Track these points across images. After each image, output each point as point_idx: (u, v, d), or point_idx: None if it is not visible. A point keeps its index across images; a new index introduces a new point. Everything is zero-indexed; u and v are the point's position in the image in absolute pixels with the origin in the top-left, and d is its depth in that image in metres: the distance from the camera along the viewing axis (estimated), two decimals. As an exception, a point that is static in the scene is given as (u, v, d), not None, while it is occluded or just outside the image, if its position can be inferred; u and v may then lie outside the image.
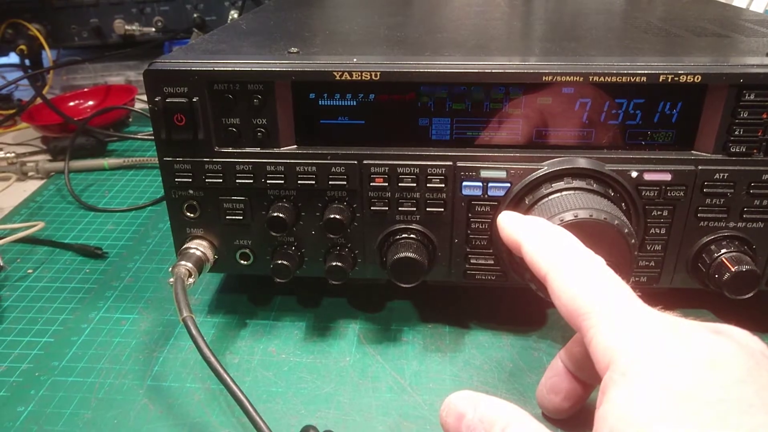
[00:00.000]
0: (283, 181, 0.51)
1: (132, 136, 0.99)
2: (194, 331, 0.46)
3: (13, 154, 0.92)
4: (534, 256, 0.40)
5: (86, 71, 1.24)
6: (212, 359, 0.45)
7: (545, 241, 0.40)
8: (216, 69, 0.48)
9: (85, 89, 1.13)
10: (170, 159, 0.51)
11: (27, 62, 1.16)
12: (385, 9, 0.77)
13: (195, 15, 1.24)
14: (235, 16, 1.24)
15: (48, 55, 1.21)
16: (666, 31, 0.60)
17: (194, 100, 0.48)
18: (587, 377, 0.43)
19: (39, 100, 1.02)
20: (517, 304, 0.59)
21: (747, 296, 0.49)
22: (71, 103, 1.09)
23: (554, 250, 0.39)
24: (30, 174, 0.92)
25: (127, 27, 1.21)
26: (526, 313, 0.59)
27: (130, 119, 1.07)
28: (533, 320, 0.58)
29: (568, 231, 0.41)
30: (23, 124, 1.07)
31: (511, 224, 0.44)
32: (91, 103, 1.10)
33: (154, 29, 1.23)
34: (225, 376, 0.45)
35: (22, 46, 1.14)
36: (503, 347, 0.55)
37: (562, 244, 0.39)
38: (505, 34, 0.61)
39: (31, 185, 0.90)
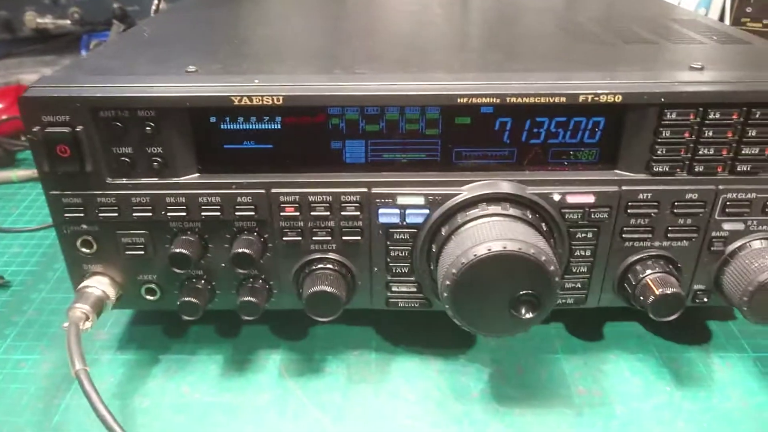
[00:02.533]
0: (185, 213, 0.47)
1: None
2: (88, 387, 0.42)
3: None
4: None
5: (-4, 69, 1.15)
6: (108, 418, 0.41)
7: None
8: (100, 95, 0.43)
9: (-7, 90, 1.04)
10: (57, 193, 0.46)
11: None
12: (307, 10, 0.72)
13: (115, 5, 1.16)
14: (161, 5, 1.17)
15: (-48, 52, 1.11)
16: (595, 37, 0.58)
17: (78, 129, 0.44)
18: None
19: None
20: (446, 324, 0.57)
21: (671, 318, 0.47)
22: (-23, 107, 1.01)
23: None
24: (-72, 188, 0.85)
25: (39, 20, 1.12)
26: (455, 333, 0.56)
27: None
28: (462, 342, 0.56)
29: (484, 265, 0.39)
30: None
31: None
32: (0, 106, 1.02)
33: (69, 22, 1.14)
34: (122, 436, 0.41)
35: None
36: (430, 374, 0.53)
37: None
38: (426, 44, 0.58)
39: (-71, 201, 0.83)
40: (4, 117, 0.94)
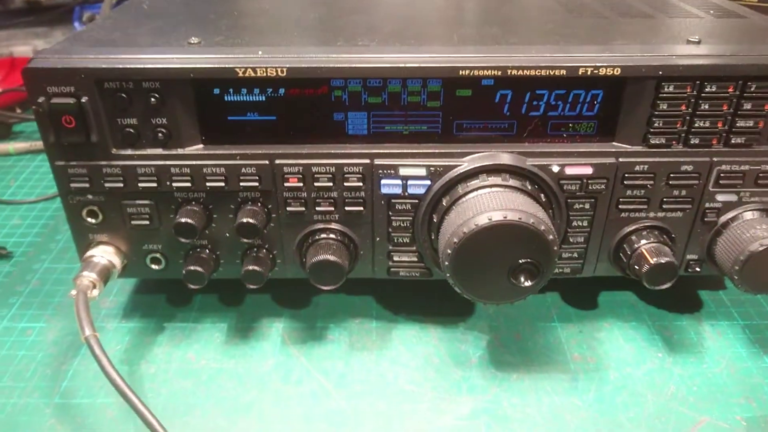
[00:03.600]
0: (190, 184, 0.48)
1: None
2: (98, 352, 0.44)
3: None
4: None
5: (-12, 41, 1.14)
6: (119, 382, 0.43)
7: None
8: (104, 66, 0.43)
9: (-14, 62, 1.03)
10: (63, 163, 0.47)
11: None
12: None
13: (107, -24, 1.15)
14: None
15: (-57, 23, 1.10)
16: (593, 11, 0.58)
17: (83, 100, 0.44)
18: None
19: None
20: (445, 292, 0.58)
21: (665, 287, 0.49)
22: (-29, 79, 1.00)
23: None
24: (-74, 161, 0.85)
25: (30, -9, 1.11)
26: (454, 302, 0.58)
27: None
28: (461, 310, 0.57)
29: (484, 235, 0.40)
30: None
31: None
32: (-7, 78, 1.01)
33: (62, -8, 1.13)
34: (134, 400, 0.42)
35: None
36: (430, 342, 0.54)
37: None
38: (424, 16, 0.58)
39: (-73, 174, 0.83)
40: (-2, 89, 0.94)
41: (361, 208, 0.49)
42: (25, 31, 1.15)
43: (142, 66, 0.44)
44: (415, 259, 0.52)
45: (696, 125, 0.46)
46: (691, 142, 0.47)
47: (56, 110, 0.44)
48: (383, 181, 0.48)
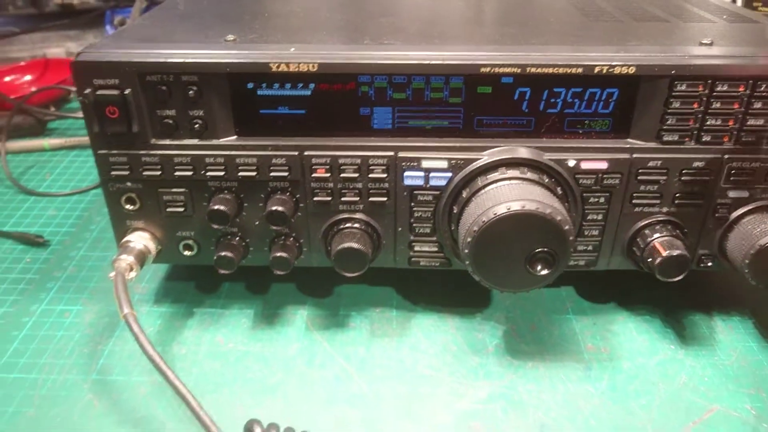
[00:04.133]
0: (223, 173, 0.50)
1: (74, 114, 0.95)
2: (136, 329, 0.46)
3: (-54, 135, 0.88)
4: None
5: (22, 43, 1.18)
6: (155, 357, 0.45)
7: None
8: (147, 60, 0.46)
9: (22, 63, 1.07)
10: (105, 152, 0.50)
11: (-43, 33, 1.10)
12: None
13: (138, -18, 1.19)
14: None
15: (-20, 26, 1.14)
16: (609, 15, 0.60)
17: (126, 92, 0.47)
18: None
19: (-28, 76, 0.97)
20: (462, 284, 0.60)
21: (677, 279, 0.50)
22: (6, 79, 1.04)
23: None
24: (-35, 155, 0.88)
25: (64, -5, 1.15)
26: (471, 293, 0.60)
27: (72, 96, 1.03)
28: (478, 301, 0.59)
29: (503, 223, 0.42)
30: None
31: None
32: (28, 77, 1.05)
33: (94, -3, 1.17)
34: (169, 373, 0.44)
35: (-48, 16, 1.08)
36: (448, 330, 0.56)
37: None
38: (447, 17, 0.61)
39: (-33, 167, 0.87)
40: (33, 89, 0.97)
41: (385, 199, 0.51)
42: (59, 34, 1.20)
43: (181, 60, 0.46)
44: (436, 249, 0.54)
45: (708, 123, 0.48)
46: (703, 139, 0.49)
47: (101, 101, 0.47)
48: (406, 173, 0.50)
